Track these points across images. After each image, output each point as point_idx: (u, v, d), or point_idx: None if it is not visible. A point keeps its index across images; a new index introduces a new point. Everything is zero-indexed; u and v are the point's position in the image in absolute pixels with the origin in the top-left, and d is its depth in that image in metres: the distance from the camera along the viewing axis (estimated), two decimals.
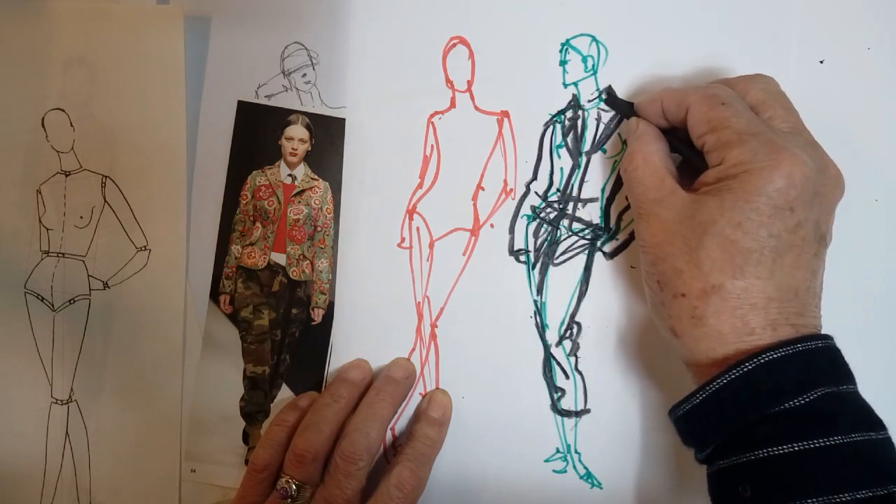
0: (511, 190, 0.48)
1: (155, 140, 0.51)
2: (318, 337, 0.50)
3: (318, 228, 0.50)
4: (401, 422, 0.49)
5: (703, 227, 0.36)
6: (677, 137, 0.41)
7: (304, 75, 0.50)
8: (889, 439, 0.34)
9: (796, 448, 0.33)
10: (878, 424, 0.34)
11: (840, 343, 0.40)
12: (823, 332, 0.37)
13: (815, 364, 0.34)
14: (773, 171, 0.35)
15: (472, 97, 0.48)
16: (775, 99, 0.39)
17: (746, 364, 0.34)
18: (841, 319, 0.44)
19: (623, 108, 0.45)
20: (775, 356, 0.34)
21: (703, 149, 0.38)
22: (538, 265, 0.47)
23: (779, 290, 0.35)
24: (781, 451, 0.33)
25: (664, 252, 0.37)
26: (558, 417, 0.47)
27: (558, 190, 0.47)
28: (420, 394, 0.49)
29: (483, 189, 0.48)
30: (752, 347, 0.35)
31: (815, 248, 0.36)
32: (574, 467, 0.47)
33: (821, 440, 0.32)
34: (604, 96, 0.46)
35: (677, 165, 0.42)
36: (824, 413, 0.33)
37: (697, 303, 0.36)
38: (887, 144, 0.45)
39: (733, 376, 0.34)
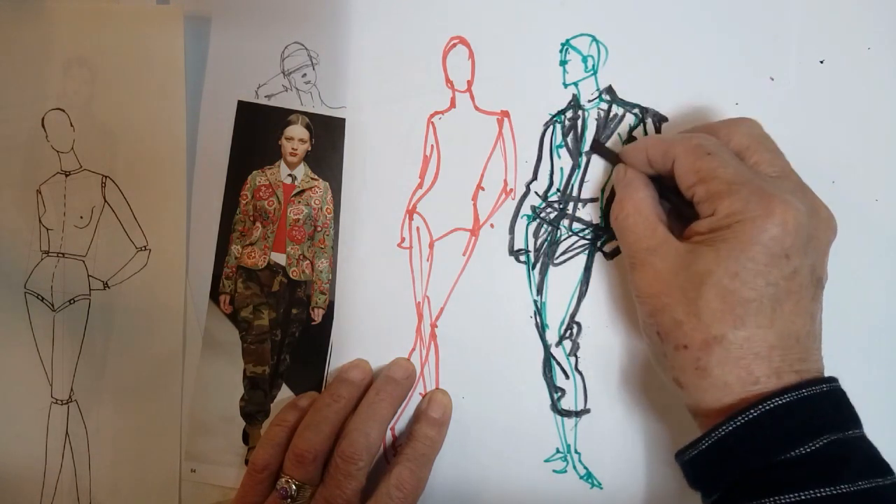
0: (511, 190, 0.48)
1: (155, 140, 0.51)
2: (318, 337, 0.50)
3: (318, 228, 0.50)
4: (401, 422, 0.49)
5: (701, 277, 0.36)
6: (665, 185, 0.41)
7: (304, 75, 0.50)
8: None
9: (803, 497, 0.32)
10: (885, 470, 0.34)
11: (840, 344, 0.40)
12: (827, 368, 0.37)
13: (821, 409, 0.34)
14: (767, 220, 0.35)
15: (472, 97, 0.48)
16: (760, 143, 0.39)
17: (752, 411, 0.34)
18: (841, 319, 0.44)
19: (609, 157, 0.45)
20: (780, 402, 0.34)
21: (692, 199, 0.38)
22: (538, 265, 0.47)
23: (780, 337, 0.35)
24: (789, 500, 0.33)
25: (661, 303, 0.37)
26: (558, 417, 0.47)
27: (558, 190, 0.47)
28: (420, 394, 0.49)
29: (483, 189, 0.48)
30: (757, 395, 0.35)
31: (812, 291, 0.36)
32: (574, 467, 0.47)
33: (828, 489, 0.32)
34: (588, 147, 0.46)
35: (666, 212, 0.41)
36: (832, 461, 0.33)
37: (700, 354, 0.36)
38: (887, 144, 0.45)
39: (739, 423, 0.34)
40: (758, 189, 0.36)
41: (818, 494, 0.32)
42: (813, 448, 0.33)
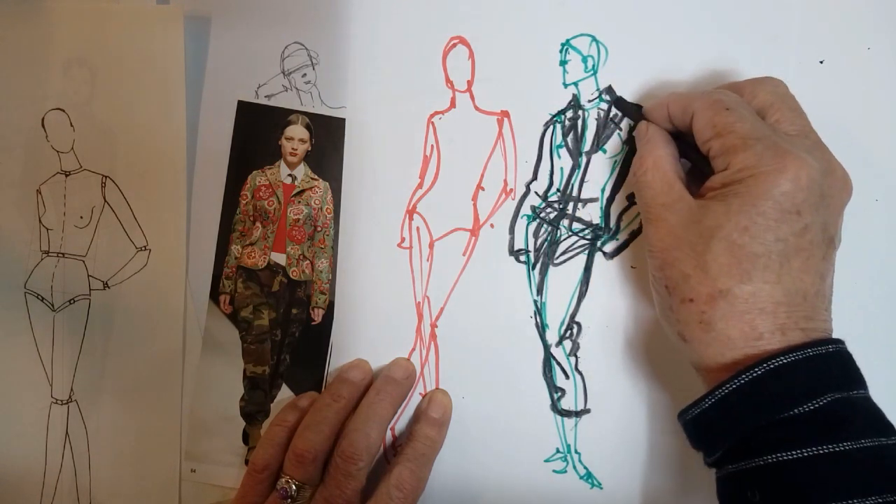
0: (511, 190, 0.48)
1: (155, 140, 0.51)
2: (318, 337, 0.50)
3: (318, 228, 0.50)
4: (401, 422, 0.49)
5: (710, 231, 0.36)
6: (686, 142, 0.41)
7: (304, 75, 0.50)
8: None
9: (806, 454, 0.32)
10: (889, 429, 0.34)
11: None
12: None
13: (825, 369, 0.34)
14: (779, 175, 0.35)
15: (472, 97, 0.48)
16: (783, 101, 0.39)
17: (756, 369, 0.34)
18: (841, 319, 0.44)
19: (632, 112, 0.45)
20: (785, 361, 0.34)
21: (708, 154, 0.38)
22: (538, 265, 0.47)
23: (787, 294, 0.35)
24: (790, 457, 0.33)
25: (671, 257, 0.37)
26: (558, 417, 0.47)
27: (558, 190, 0.47)
28: (420, 394, 0.49)
29: (483, 189, 0.48)
30: (762, 352, 0.35)
31: (823, 250, 0.36)
32: (574, 467, 0.47)
33: (830, 446, 0.32)
34: (611, 99, 0.46)
35: (687, 171, 0.41)
36: (834, 418, 0.33)
37: (705, 308, 0.36)
38: (887, 144, 0.45)
39: (742, 381, 0.34)
40: (773, 144, 0.36)
41: (820, 451, 0.32)
42: (815, 406, 0.33)
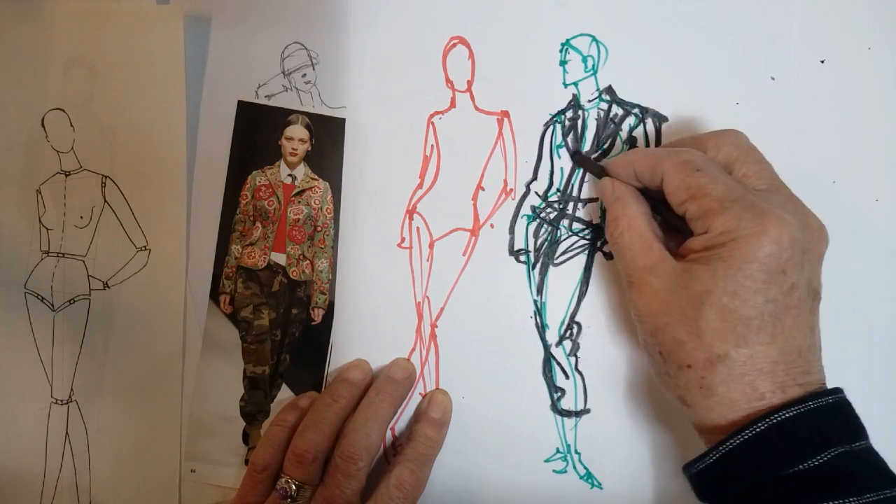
0: (511, 190, 0.48)
1: (155, 140, 0.51)
2: (318, 337, 0.50)
3: (318, 228, 0.50)
4: (401, 422, 0.49)
5: (699, 297, 0.36)
6: (654, 198, 0.41)
7: (304, 75, 0.49)
8: None
9: None
10: (892, 481, 0.34)
11: (841, 344, 0.40)
12: (829, 374, 0.37)
13: (827, 421, 0.34)
14: (762, 237, 0.35)
15: (472, 97, 0.48)
16: (748, 155, 0.39)
17: (759, 424, 0.34)
18: (841, 319, 0.44)
19: (595, 169, 0.45)
20: (787, 415, 0.34)
21: (684, 216, 0.38)
22: (538, 265, 0.47)
23: (783, 352, 0.35)
24: None
25: (662, 322, 0.37)
26: (558, 417, 0.47)
27: (558, 190, 0.47)
28: (420, 394, 0.49)
29: (483, 189, 0.48)
30: (763, 410, 0.35)
31: (810, 304, 0.36)
32: (574, 467, 0.47)
33: (836, 502, 0.32)
34: (574, 158, 0.46)
35: (658, 225, 0.41)
36: (839, 474, 0.33)
37: (704, 373, 0.36)
38: (887, 144, 0.45)
39: (747, 436, 0.34)
40: (750, 205, 0.36)
41: None
42: (820, 461, 0.33)
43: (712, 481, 0.36)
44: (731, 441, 0.35)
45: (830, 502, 0.32)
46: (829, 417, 0.34)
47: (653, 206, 0.41)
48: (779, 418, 0.34)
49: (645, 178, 0.40)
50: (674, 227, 0.40)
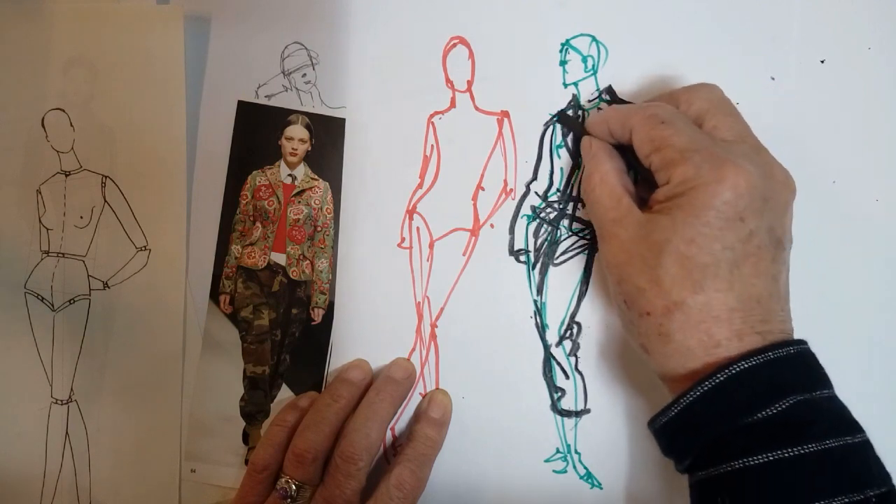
0: (511, 190, 0.48)
1: (155, 140, 0.51)
2: (318, 337, 0.50)
3: (318, 228, 0.50)
4: (401, 422, 0.49)
5: (659, 245, 0.36)
6: (633, 155, 0.41)
7: (304, 75, 0.50)
8: (867, 442, 0.34)
9: (770, 458, 0.33)
10: (853, 428, 0.34)
11: (841, 344, 0.40)
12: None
13: (786, 371, 0.34)
14: (718, 185, 0.35)
15: (472, 97, 0.48)
16: (718, 108, 0.40)
17: (716, 376, 0.34)
18: (842, 320, 0.44)
19: (576, 127, 0.45)
20: (745, 366, 0.34)
21: (650, 168, 0.39)
22: (538, 265, 0.47)
23: (740, 300, 0.35)
24: (756, 462, 0.33)
25: (626, 272, 0.38)
26: (558, 417, 0.47)
27: (558, 190, 0.47)
28: (420, 394, 0.49)
29: (483, 189, 0.48)
30: (720, 359, 0.35)
31: (772, 253, 0.36)
32: (574, 467, 0.47)
33: (794, 449, 0.32)
34: (559, 118, 0.46)
35: (637, 182, 0.42)
36: (797, 421, 0.33)
37: (662, 320, 0.36)
38: (887, 144, 0.45)
39: (704, 389, 0.35)
40: (710, 155, 0.36)
41: (785, 455, 0.33)
42: (778, 409, 0.33)
43: (674, 435, 0.36)
44: (691, 394, 0.35)
45: (789, 449, 0.32)
46: (788, 367, 0.35)
47: (627, 162, 0.42)
48: (736, 369, 0.34)
49: (617, 133, 0.41)
50: (650, 182, 0.40)
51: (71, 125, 0.51)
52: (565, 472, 0.47)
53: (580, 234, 0.47)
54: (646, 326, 0.37)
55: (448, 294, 0.48)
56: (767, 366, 0.34)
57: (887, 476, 0.34)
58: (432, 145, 0.48)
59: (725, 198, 0.35)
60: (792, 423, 0.33)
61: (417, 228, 0.49)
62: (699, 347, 0.35)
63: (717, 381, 0.34)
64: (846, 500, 0.32)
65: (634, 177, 0.42)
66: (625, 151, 0.42)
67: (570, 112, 0.46)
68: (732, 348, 0.35)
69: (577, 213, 0.47)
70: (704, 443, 0.35)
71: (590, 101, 0.47)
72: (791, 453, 0.32)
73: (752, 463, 0.33)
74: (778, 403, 0.33)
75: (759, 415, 0.33)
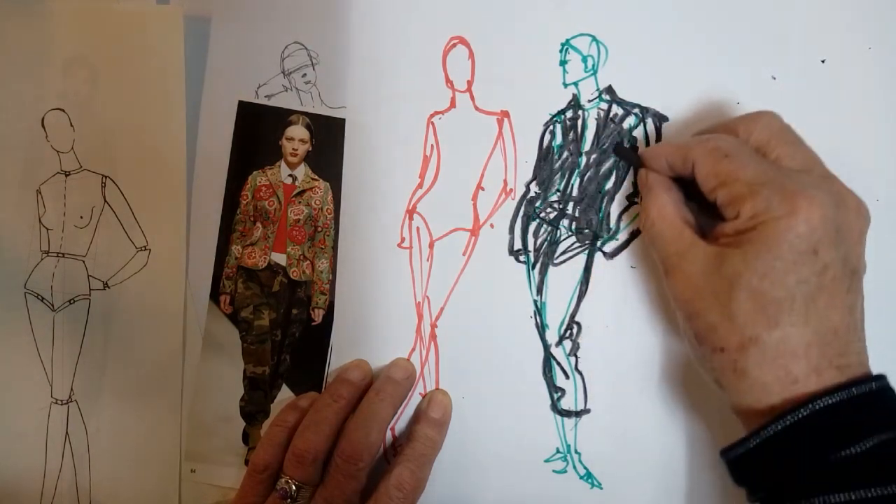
0: (511, 190, 0.48)
1: (155, 140, 0.51)
2: (318, 337, 0.50)
3: (319, 229, 0.50)
4: (401, 422, 0.49)
5: (731, 280, 0.36)
6: (693, 186, 0.40)
7: (304, 75, 0.49)
8: None
9: (853, 497, 0.32)
10: None
11: None
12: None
13: (869, 409, 0.34)
14: (791, 218, 0.34)
15: (472, 97, 0.48)
16: (780, 136, 0.39)
17: (800, 411, 0.34)
18: None
19: (632, 160, 0.45)
20: (826, 403, 0.34)
21: (716, 203, 0.38)
22: (538, 265, 0.47)
23: (817, 334, 0.35)
24: (838, 500, 0.32)
25: (696, 308, 0.37)
26: (558, 417, 0.47)
27: (558, 190, 0.47)
28: (420, 394, 0.49)
29: (483, 189, 0.48)
30: (799, 395, 0.35)
31: (847, 283, 0.36)
32: (574, 467, 0.47)
33: (878, 489, 0.32)
34: (614, 150, 0.46)
35: (696, 212, 0.41)
36: (882, 460, 0.33)
37: (737, 356, 0.36)
38: (887, 144, 0.44)
39: (787, 423, 0.34)
40: (779, 187, 0.35)
41: (868, 494, 0.32)
42: (861, 448, 0.33)
43: (750, 468, 0.36)
44: (771, 427, 0.34)
45: (873, 489, 0.32)
46: (870, 405, 0.34)
47: (688, 194, 0.41)
48: (819, 405, 0.33)
49: (678, 168, 0.40)
50: (713, 213, 0.40)
51: (71, 125, 0.51)
52: (565, 472, 0.47)
53: (580, 234, 0.47)
54: (720, 362, 0.36)
55: (448, 294, 0.48)
56: (849, 403, 0.34)
57: None
58: (432, 145, 0.48)
59: (799, 231, 0.34)
60: (876, 462, 0.33)
61: (417, 228, 0.49)
62: (776, 383, 0.35)
63: (799, 416, 0.34)
64: None
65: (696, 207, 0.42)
66: (684, 183, 0.41)
67: (625, 143, 0.46)
68: (811, 384, 0.34)
69: (577, 214, 0.47)
70: (781, 478, 0.34)
71: (590, 101, 0.47)
72: (875, 493, 0.32)
73: (832, 500, 0.32)
74: (862, 442, 0.33)
75: (842, 453, 0.33)
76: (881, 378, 0.35)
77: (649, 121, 0.46)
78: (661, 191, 0.41)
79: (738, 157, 0.37)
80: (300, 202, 0.50)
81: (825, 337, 0.35)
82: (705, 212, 0.41)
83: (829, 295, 0.35)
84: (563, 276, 0.47)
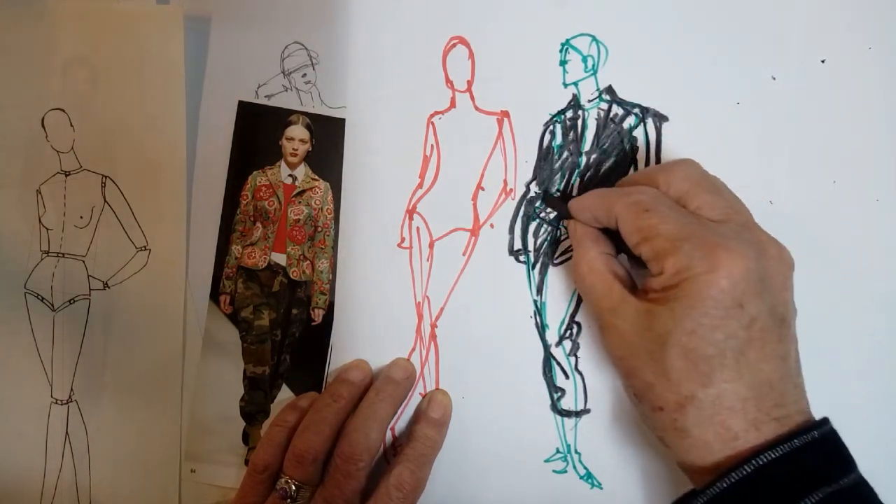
0: (511, 190, 0.48)
1: (155, 140, 0.51)
2: (318, 337, 0.50)
3: (319, 229, 0.50)
4: (401, 422, 0.49)
5: (662, 338, 0.35)
6: (621, 241, 0.40)
7: (304, 75, 0.49)
8: None
9: None
10: None
11: (841, 344, 0.40)
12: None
13: (810, 460, 0.34)
14: (713, 274, 0.34)
15: (472, 97, 0.48)
16: (699, 186, 0.38)
17: (741, 469, 0.33)
18: (842, 319, 0.44)
19: (561, 210, 0.45)
20: (768, 458, 0.33)
21: (641, 258, 0.38)
22: (538, 265, 0.47)
23: (751, 388, 0.34)
24: None
25: (632, 365, 0.37)
26: (558, 417, 0.47)
27: (558, 190, 0.47)
28: (420, 394, 0.49)
29: (483, 189, 0.48)
30: (741, 451, 0.34)
31: (777, 333, 0.35)
32: (574, 467, 0.47)
33: None
34: (543, 198, 0.46)
35: (631, 263, 0.41)
36: None
37: (676, 415, 0.35)
38: (887, 144, 0.44)
39: (731, 482, 0.34)
40: (701, 242, 0.35)
41: None
42: None
43: None
44: (716, 486, 0.34)
45: None
46: (812, 455, 0.34)
47: (620, 245, 0.41)
48: (758, 463, 0.33)
49: (602, 221, 0.40)
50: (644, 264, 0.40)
51: (71, 125, 0.51)
52: (565, 472, 0.47)
53: None
54: (661, 421, 0.36)
55: (448, 294, 0.48)
56: (791, 457, 0.33)
57: None
58: (432, 145, 0.48)
59: (722, 286, 0.34)
60: None
61: (417, 228, 0.49)
62: (717, 441, 0.35)
63: (742, 474, 0.33)
64: None
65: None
66: (614, 236, 0.41)
67: (555, 193, 0.46)
68: (752, 439, 0.34)
69: None
70: None
71: (590, 101, 0.47)
72: None
73: None
74: (806, 498, 0.32)
75: None
76: (823, 423, 0.35)
77: (649, 121, 0.46)
78: (589, 243, 0.41)
79: (659, 211, 0.37)
80: (300, 202, 0.50)
81: (760, 390, 0.35)
82: (639, 263, 0.40)
83: (760, 347, 0.35)
84: (563, 276, 0.47)
